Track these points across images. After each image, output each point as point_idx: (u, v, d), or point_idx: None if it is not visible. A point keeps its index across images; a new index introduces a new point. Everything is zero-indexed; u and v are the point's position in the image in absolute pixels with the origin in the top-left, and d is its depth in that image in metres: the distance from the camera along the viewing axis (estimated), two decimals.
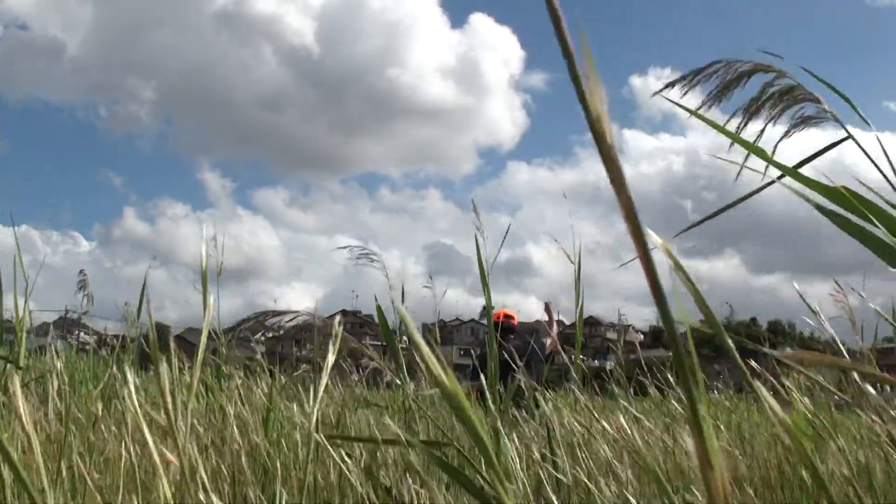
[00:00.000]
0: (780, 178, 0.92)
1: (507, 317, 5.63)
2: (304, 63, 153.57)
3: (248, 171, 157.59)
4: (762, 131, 1.51)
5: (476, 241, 1.91)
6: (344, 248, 2.06)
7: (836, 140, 1.20)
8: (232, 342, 2.54)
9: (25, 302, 2.42)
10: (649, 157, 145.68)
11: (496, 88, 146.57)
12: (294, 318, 1.77)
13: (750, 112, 1.49)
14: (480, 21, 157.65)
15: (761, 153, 0.93)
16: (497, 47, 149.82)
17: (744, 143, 0.89)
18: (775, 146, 1.53)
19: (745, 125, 1.49)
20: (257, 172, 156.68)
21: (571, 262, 1.88)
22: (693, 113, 0.89)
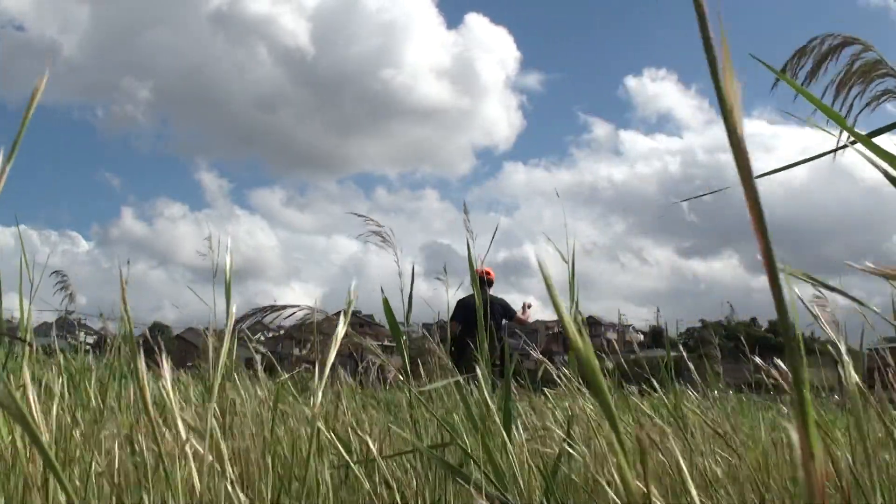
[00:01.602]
0: (851, 143, 0.91)
1: (486, 273, 7.10)
2: (299, 64, 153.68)
3: (245, 171, 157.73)
4: (850, 106, 1.52)
5: (468, 244, 1.90)
6: (360, 216, 1.99)
7: None
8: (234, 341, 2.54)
9: (30, 303, 2.42)
10: (645, 157, 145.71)
11: (492, 89, 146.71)
12: (294, 313, 1.76)
13: (838, 85, 1.52)
14: (476, 21, 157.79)
15: (840, 119, 0.92)
16: (493, 48, 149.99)
17: (825, 109, 0.88)
18: (856, 116, 1.54)
19: (836, 99, 1.51)
20: (254, 172, 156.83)
21: (565, 261, 1.87)
22: (807, 94, 0.88)
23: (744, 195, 0.32)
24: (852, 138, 0.90)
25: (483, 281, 7.05)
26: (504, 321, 7.56)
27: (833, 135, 1.20)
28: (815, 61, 1.58)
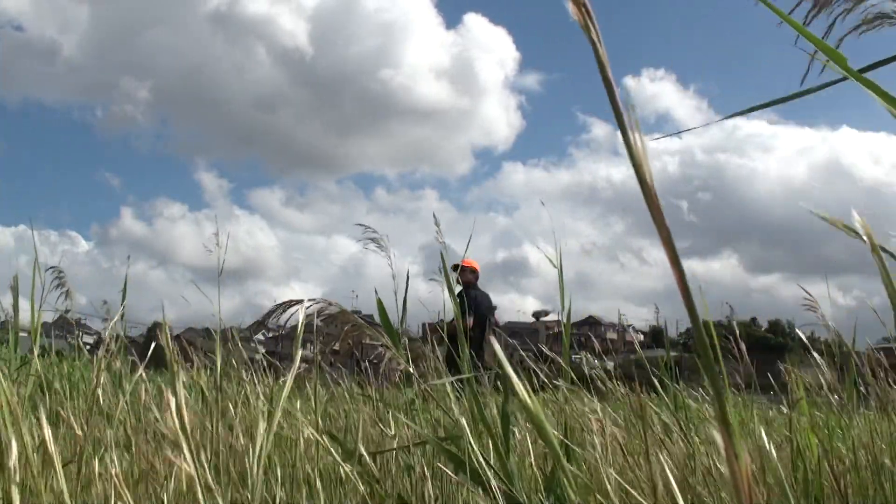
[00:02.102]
0: (844, 79, 0.85)
1: (469, 265, 7.16)
2: (298, 64, 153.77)
3: (244, 171, 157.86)
4: (831, 26, 1.35)
5: (441, 256, 1.93)
6: (360, 225, 2.05)
7: None
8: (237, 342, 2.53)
9: (40, 305, 2.41)
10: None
11: (491, 89, 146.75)
12: (308, 307, 1.76)
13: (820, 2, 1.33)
14: (475, 21, 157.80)
15: (831, 51, 0.86)
16: (491, 48, 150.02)
17: (810, 38, 0.83)
18: (839, 41, 1.38)
19: (814, 16, 1.33)
20: (253, 172, 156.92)
21: (554, 266, 1.88)
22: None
23: (652, 219, 0.33)
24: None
25: (465, 271, 7.10)
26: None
27: (818, 60, 1.10)
28: None
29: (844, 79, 0.84)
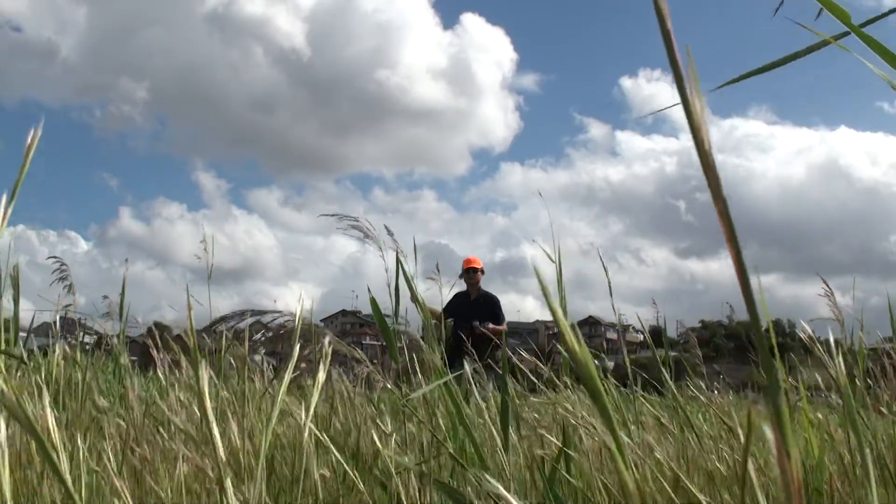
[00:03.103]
0: (843, 35, 0.83)
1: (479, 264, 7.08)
2: (295, 64, 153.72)
3: (242, 171, 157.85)
4: None
5: (397, 260, 1.85)
6: (330, 215, 1.92)
7: None
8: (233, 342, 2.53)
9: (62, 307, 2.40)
10: (642, 158, 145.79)
11: (488, 90, 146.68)
12: (275, 319, 1.76)
13: None
14: (472, 21, 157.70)
15: (833, 5, 0.84)
16: (489, 48, 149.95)
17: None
18: None
19: None
20: (251, 172, 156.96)
21: (552, 260, 1.87)
22: None
23: (714, 206, 0.32)
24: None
25: (477, 272, 6.96)
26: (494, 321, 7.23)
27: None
28: None
29: (846, 34, 0.82)
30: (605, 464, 1.63)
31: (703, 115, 0.32)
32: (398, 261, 1.83)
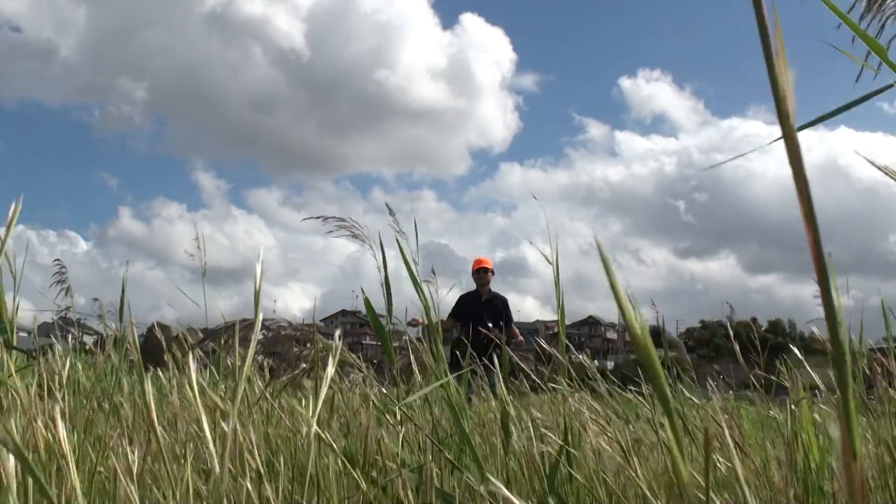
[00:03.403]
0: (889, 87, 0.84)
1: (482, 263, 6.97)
2: (294, 64, 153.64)
3: (241, 171, 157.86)
4: (882, 27, 1.34)
5: (398, 243, 1.83)
6: (316, 217, 1.87)
7: None
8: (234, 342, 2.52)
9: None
10: (642, 158, 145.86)
11: (488, 90, 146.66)
12: (269, 326, 1.76)
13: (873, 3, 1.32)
14: (471, 21, 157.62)
15: (879, 49, 0.85)
16: (488, 48, 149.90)
17: (863, 35, 0.82)
18: (889, 41, 1.36)
19: (866, 16, 1.32)
20: (250, 172, 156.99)
21: (549, 262, 1.86)
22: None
23: (795, 189, 0.31)
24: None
25: (489, 272, 6.88)
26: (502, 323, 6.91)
27: (870, 67, 1.08)
28: None
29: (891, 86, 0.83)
30: (606, 463, 1.63)
31: (791, 86, 0.31)
32: (406, 261, 1.80)
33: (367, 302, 1.73)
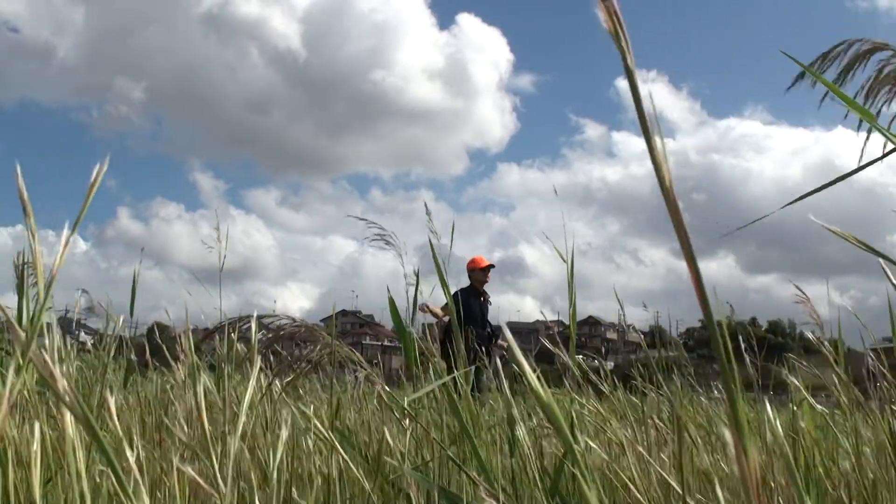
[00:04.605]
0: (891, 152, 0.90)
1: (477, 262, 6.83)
2: (291, 65, 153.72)
3: (239, 171, 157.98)
4: (878, 112, 1.51)
5: (430, 242, 1.85)
6: (361, 219, 1.91)
7: None
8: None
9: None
10: (639, 158, 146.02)
11: (485, 90, 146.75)
12: (272, 322, 1.76)
13: (867, 91, 1.50)
14: (468, 22, 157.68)
15: (873, 120, 0.91)
16: (485, 48, 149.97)
17: (866, 116, 0.88)
18: (889, 125, 1.53)
19: (866, 105, 1.49)
20: (248, 172, 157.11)
21: (564, 260, 1.86)
22: (839, 94, 0.87)
23: (666, 204, 0.33)
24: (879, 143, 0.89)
25: (488, 270, 6.87)
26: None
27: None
28: (844, 66, 1.57)
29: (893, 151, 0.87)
30: (609, 462, 1.63)
31: (665, 156, 0.34)
32: (439, 270, 1.79)
33: (391, 302, 1.73)
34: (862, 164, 0.98)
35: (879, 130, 0.85)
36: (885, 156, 0.96)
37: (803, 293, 1.90)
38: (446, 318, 6.39)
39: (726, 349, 0.34)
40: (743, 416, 0.30)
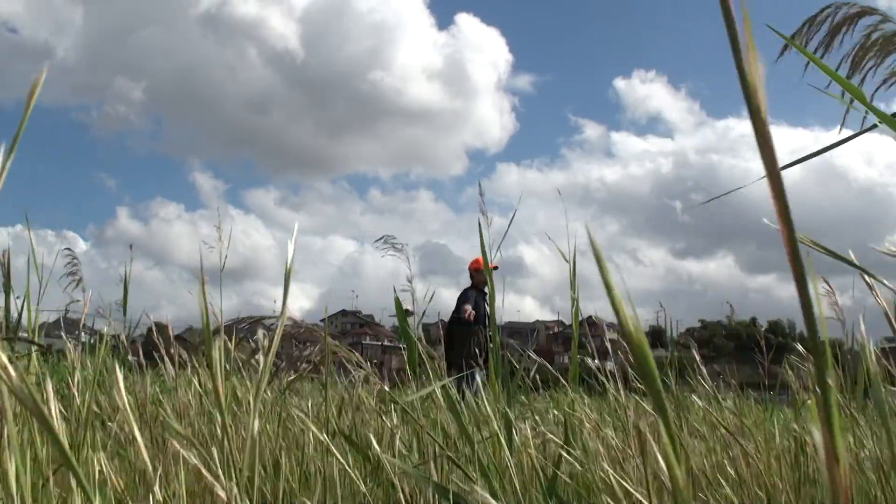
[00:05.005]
0: (872, 127, 0.88)
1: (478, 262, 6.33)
2: (289, 65, 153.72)
3: (239, 171, 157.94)
4: (863, 80, 1.46)
5: (479, 223, 1.91)
6: (378, 239, 2.08)
7: None
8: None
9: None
10: (638, 158, 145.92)
11: (484, 91, 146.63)
12: (273, 323, 1.77)
13: (855, 60, 1.45)
14: (467, 22, 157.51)
15: (859, 94, 0.88)
16: (484, 48, 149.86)
17: (842, 82, 0.85)
18: (872, 94, 1.48)
19: (852, 74, 1.44)
20: (247, 172, 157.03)
21: (566, 260, 1.86)
22: (822, 65, 0.85)
23: (768, 183, 0.31)
24: (869, 118, 0.88)
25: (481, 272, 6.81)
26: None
27: (855, 109, 1.15)
28: (829, 31, 1.50)
29: (874, 127, 0.85)
30: (610, 461, 1.63)
31: (761, 79, 0.31)
32: (483, 247, 1.82)
33: (397, 302, 1.74)
34: (842, 137, 0.96)
35: (863, 102, 0.84)
36: (866, 130, 0.95)
37: (829, 285, 1.87)
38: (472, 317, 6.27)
39: (825, 357, 0.33)
40: (838, 422, 0.30)
